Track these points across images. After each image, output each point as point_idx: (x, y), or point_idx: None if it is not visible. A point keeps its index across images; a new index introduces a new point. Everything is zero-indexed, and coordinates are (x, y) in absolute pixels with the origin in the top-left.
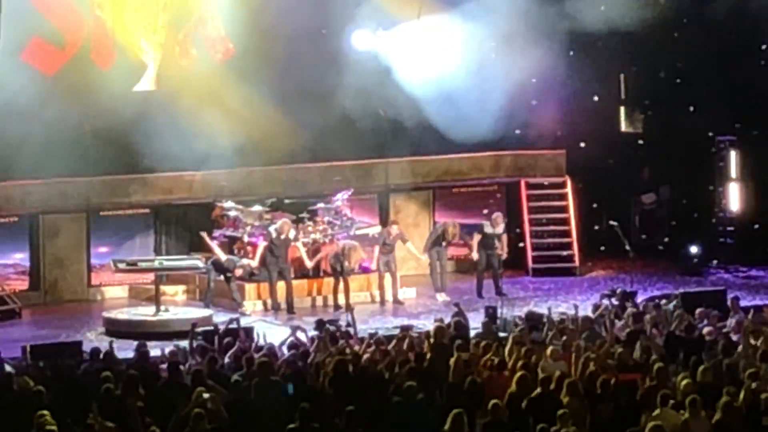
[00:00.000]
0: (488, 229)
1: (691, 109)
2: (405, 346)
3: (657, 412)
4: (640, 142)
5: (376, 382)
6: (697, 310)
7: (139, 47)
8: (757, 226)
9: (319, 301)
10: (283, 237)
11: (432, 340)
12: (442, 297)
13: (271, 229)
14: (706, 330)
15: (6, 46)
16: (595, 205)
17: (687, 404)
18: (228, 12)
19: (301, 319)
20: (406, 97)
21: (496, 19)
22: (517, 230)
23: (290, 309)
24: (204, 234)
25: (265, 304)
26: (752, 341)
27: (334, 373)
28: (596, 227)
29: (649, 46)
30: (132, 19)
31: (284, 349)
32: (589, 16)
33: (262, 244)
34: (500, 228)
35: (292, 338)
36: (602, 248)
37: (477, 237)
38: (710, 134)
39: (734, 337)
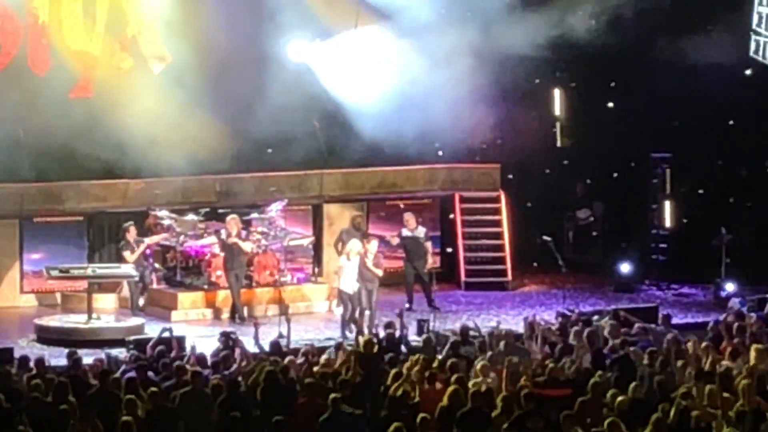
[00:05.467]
0: (406, 234)
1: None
2: (338, 358)
3: None
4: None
5: (307, 393)
6: (636, 325)
7: (75, 54)
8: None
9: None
10: (231, 238)
11: (360, 353)
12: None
13: (222, 231)
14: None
15: None
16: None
17: (606, 426)
18: (165, 21)
19: (239, 328)
20: (341, 109)
21: (430, 33)
22: (449, 249)
23: (232, 316)
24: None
25: (216, 312)
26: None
27: (264, 384)
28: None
29: (584, 62)
30: (69, 27)
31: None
32: (523, 32)
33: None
34: (419, 231)
35: (221, 347)
36: (535, 264)
37: (395, 241)
38: (645, 151)
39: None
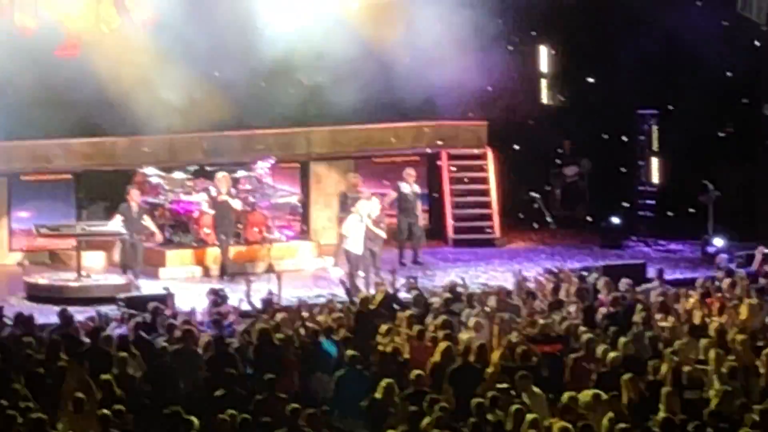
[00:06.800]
0: (405, 189)
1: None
2: (329, 314)
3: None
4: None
5: (302, 350)
6: (622, 280)
7: (62, 12)
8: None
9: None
10: (221, 196)
11: (358, 309)
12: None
13: (212, 189)
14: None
15: None
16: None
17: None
18: None
19: (227, 285)
20: (328, 65)
21: None
22: (435, 195)
23: (221, 274)
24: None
25: (206, 270)
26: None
27: (257, 342)
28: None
29: (571, 18)
30: None
31: (204, 315)
32: None
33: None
34: (416, 188)
35: (212, 304)
36: (521, 215)
37: (392, 196)
38: (632, 107)
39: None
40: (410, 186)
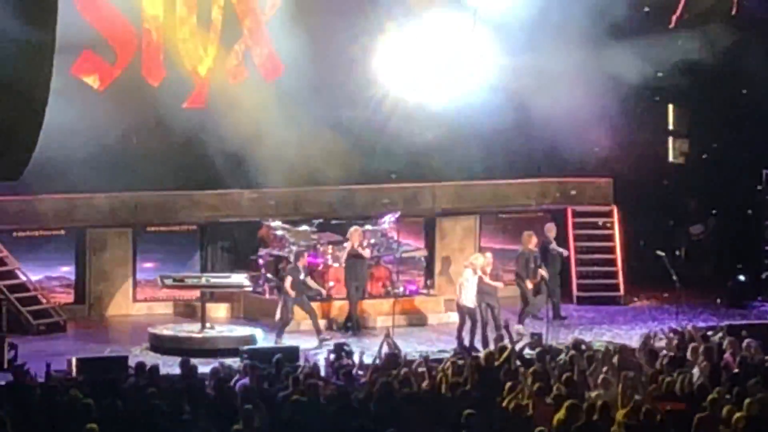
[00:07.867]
0: (548, 244)
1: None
2: (452, 370)
3: None
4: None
5: (424, 405)
6: (747, 340)
7: (189, 64)
8: None
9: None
10: (354, 249)
11: (481, 365)
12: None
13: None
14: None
15: (57, 59)
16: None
17: None
18: (278, 30)
19: (352, 338)
20: (454, 122)
21: (543, 50)
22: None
23: (346, 327)
24: None
25: (329, 322)
26: None
27: (380, 395)
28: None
29: (699, 78)
30: (183, 36)
31: (328, 368)
32: (639, 48)
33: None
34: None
35: (336, 358)
36: (647, 279)
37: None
38: (759, 166)
39: None
40: (552, 241)
